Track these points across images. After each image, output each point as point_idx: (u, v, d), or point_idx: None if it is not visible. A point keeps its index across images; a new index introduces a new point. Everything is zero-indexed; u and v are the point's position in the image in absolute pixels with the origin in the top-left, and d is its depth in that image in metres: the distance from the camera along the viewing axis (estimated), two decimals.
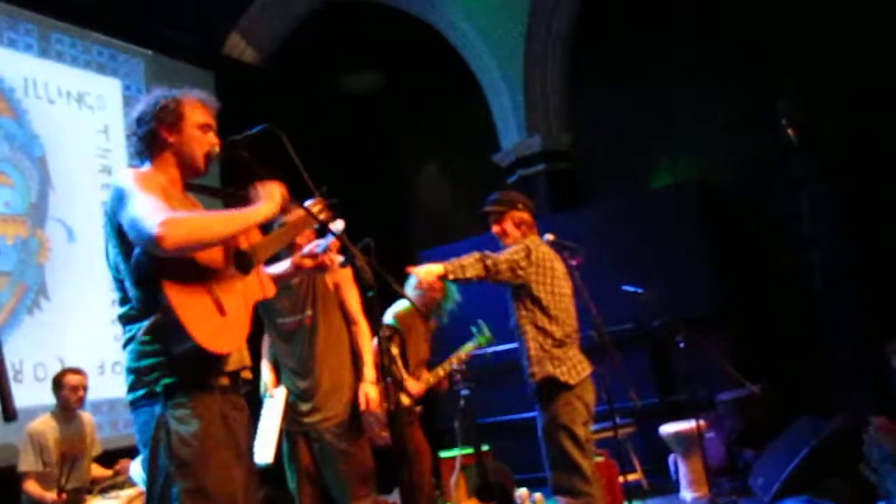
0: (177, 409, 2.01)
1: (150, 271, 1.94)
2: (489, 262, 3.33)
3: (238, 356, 2.17)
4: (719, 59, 6.82)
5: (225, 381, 2.14)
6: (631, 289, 4.67)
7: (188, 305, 1.94)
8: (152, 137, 2.17)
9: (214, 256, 2.09)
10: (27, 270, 5.09)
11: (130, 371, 2.08)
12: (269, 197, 2.18)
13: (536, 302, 3.37)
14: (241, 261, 2.16)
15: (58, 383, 4.45)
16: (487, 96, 7.92)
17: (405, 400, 3.98)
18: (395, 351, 4.17)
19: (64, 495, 4.08)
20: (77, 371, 4.52)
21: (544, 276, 3.41)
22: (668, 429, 5.22)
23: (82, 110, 5.74)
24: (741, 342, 6.02)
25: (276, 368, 3.47)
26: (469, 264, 3.32)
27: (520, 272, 3.36)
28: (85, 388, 4.49)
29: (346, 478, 3.19)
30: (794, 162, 6.17)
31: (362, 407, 3.29)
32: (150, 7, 6.42)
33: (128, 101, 6.04)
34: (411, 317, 4.25)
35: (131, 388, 2.08)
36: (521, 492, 5.04)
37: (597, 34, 7.45)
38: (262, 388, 3.39)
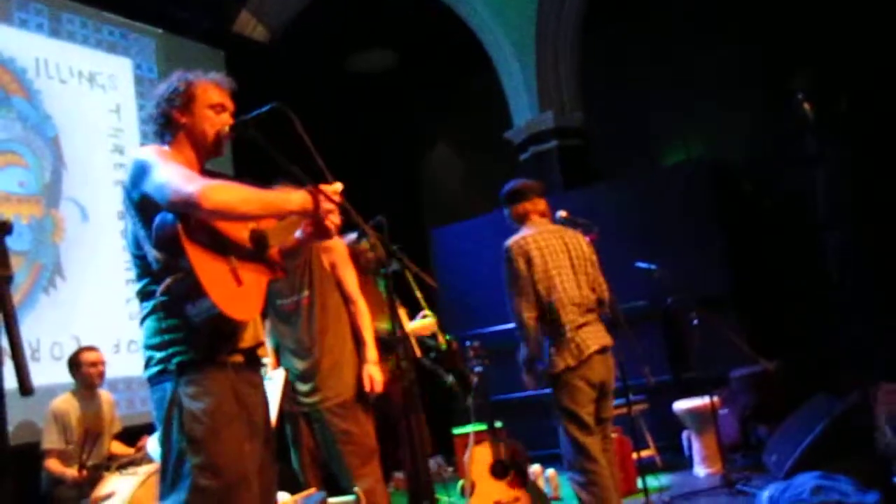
0: (189, 385, 2.03)
1: (173, 234, 1.96)
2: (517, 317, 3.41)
3: (252, 333, 2.19)
4: (733, 34, 6.73)
5: (239, 358, 2.16)
6: (644, 265, 4.66)
7: (207, 268, 1.97)
8: (166, 120, 2.20)
9: (236, 231, 2.13)
10: (42, 250, 5.12)
11: (147, 348, 2.11)
12: (302, 194, 2.19)
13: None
14: (258, 240, 2.18)
15: (75, 362, 4.49)
16: (499, 73, 7.86)
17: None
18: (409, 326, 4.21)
19: (85, 472, 4.14)
20: (92, 348, 4.57)
21: (534, 269, 3.43)
22: (681, 405, 5.22)
23: (94, 90, 5.74)
24: (754, 319, 6.00)
25: (277, 351, 3.49)
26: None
27: (522, 283, 3.41)
28: (103, 363, 4.54)
29: (346, 457, 3.18)
30: (809, 137, 6.10)
31: (367, 388, 3.29)
32: None
33: (139, 81, 6.04)
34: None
35: (147, 365, 2.11)
36: (535, 468, 5.06)
37: (608, 9, 7.37)
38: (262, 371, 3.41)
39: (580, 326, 3.38)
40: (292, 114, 2.12)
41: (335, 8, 7.65)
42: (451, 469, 6.28)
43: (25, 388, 1.05)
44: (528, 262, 3.42)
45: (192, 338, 2.04)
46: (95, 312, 5.27)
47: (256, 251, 2.18)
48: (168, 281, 1.97)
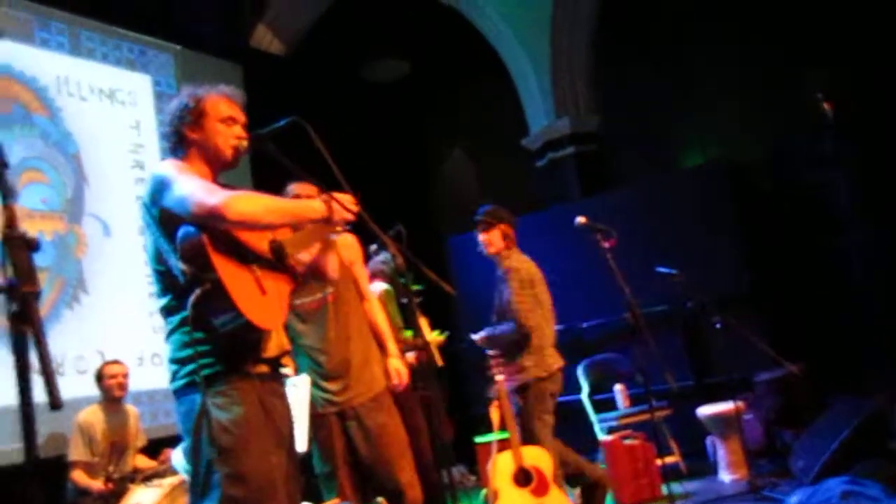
0: (217, 396, 2.05)
1: (199, 246, 1.97)
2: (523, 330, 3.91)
3: (277, 342, 2.20)
4: (747, 35, 6.69)
5: (264, 368, 2.17)
6: (665, 270, 4.63)
7: (233, 278, 1.98)
8: (178, 137, 2.22)
9: (256, 241, 2.15)
10: (66, 265, 5.19)
11: (173, 361, 2.13)
12: (321, 203, 2.22)
13: None
14: (276, 249, 2.19)
15: (99, 375, 4.57)
16: (514, 80, 7.87)
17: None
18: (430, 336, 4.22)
19: (110, 484, 4.18)
20: (116, 362, 4.64)
21: (529, 292, 3.98)
22: (705, 410, 5.18)
23: (114, 106, 5.82)
24: (776, 322, 5.94)
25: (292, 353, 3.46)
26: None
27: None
28: (125, 376, 4.59)
29: (386, 450, 3.16)
30: (828, 137, 6.05)
31: (393, 381, 3.31)
32: (176, 3, 6.47)
33: (159, 97, 6.11)
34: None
35: (174, 378, 2.13)
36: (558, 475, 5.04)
37: (622, 13, 7.36)
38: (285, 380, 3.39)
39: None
40: (309, 127, 2.13)
41: (349, 19, 7.71)
42: (473, 478, 6.26)
43: (55, 402, 1.06)
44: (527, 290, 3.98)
45: (219, 349, 2.05)
46: (118, 326, 5.33)
47: (276, 260, 2.20)
48: (197, 292, 1.97)
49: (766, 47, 6.56)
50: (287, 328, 3.31)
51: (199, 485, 2.04)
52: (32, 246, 1.17)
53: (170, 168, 2.11)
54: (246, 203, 2.00)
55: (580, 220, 3.82)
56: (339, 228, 2.28)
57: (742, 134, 6.89)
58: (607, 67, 7.66)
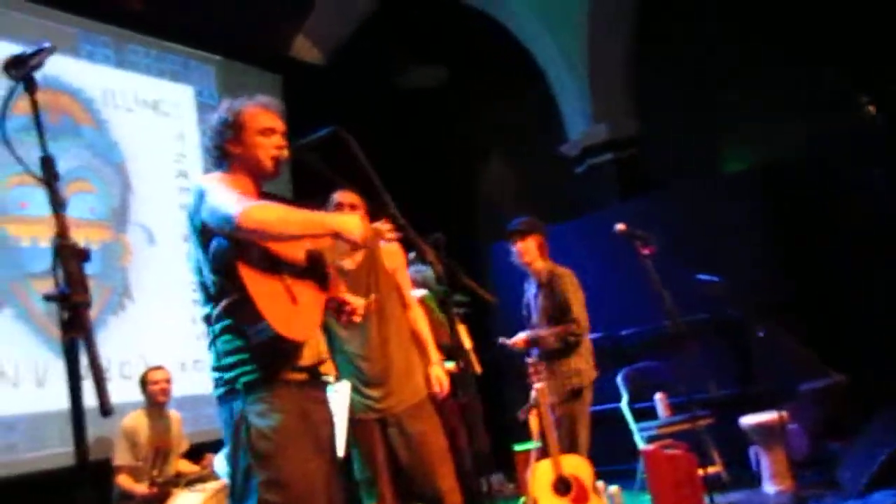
0: (255, 404, 2.08)
1: (228, 257, 2.02)
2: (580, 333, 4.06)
3: (313, 351, 2.22)
4: (788, 37, 6.59)
5: (302, 375, 2.19)
6: (706, 278, 4.57)
7: (262, 290, 2.02)
8: (220, 153, 2.27)
9: (293, 252, 2.18)
10: (111, 273, 5.30)
11: (215, 369, 2.17)
12: (350, 217, 2.25)
13: None
14: (314, 259, 2.22)
15: (143, 381, 4.66)
16: (552, 86, 7.85)
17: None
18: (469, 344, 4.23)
19: (154, 488, 4.26)
20: (159, 368, 4.73)
21: (580, 296, 4.14)
22: (748, 420, 5.08)
23: (158, 117, 5.94)
24: (821, 330, 5.82)
25: (334, 359, 3.48)
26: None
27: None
28: (168, 382, 4.67)
29: (427, 458, 3.16)
30: (872, 139, 5.91)
31: (435, 389, 3.31)
32: (218, 15, 6.59)
33: (201, 107, 6.22)
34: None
35: (216, 386, 2.17)
36: (598, 484, 4.99)
37: (660, 17, 7.29)
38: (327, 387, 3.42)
39: None
40: (349, 136, 2.15)
41: (386, 27, 7.77)
42: (512, 486, 6.23)
43: (105, 408, 1.09)
44: None
45: (256, 358, 2.09)
46: (162, 332, 5.42)
47: (313, 270, 2.22)
48: (224, 303, 2.02)
49: (807, 49, 6.45)
50: (330, 334, 3.34)
51: (237, 490, 2.08)
52: (83, 256, 1.20)
53: (210, 180, 2.16)
54: (261, 212, 2.02)
55: (619, 226, 3.79)
56: (387, 236, 2.32)
57: (785, 138, 6.77)
58: (646, 72, 7.59)
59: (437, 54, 8.15)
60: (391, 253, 3.40)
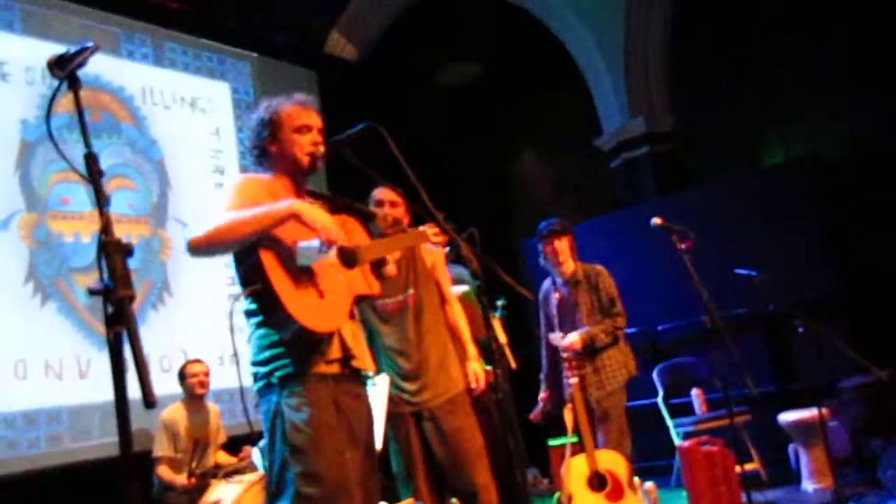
0: (291, 397, 2.12)
1: (254, 258, 2.05)
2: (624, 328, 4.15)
3: (347, 343, 2.23)
4: (830, 25, 6.45)
5: (335, 369, 2.21)
6: (745, 272, 4.50)
7: (286, 284, 2.05)
8: (260, 152, 2.31)
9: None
10: (151, 268, 5.39)
11: (253, 364, 2.22)
12: (307, 205, 2.16)
13: None
14: (346, 256, 2.22)
15: (182, 374, 4.74)
16: (588, 80, 7.79)
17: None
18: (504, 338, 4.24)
19: (193, 479, 4.33)
20: (197, 361, 4.80)
21: None
22: (787, 417, 5.01)
23: (195, 114, 6.02)
24: (864, 325, 5.70)
25: (373, 353, 3.50)
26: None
27: None
28: (206, 375, 4.75)
29: (461, 453, 3.16)
30: None
31: (472, 385, 3.32)
32: (253, 13, 6.66)
33: (237, 104, 6.30)
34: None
35: (255, 379, 2.22)
36: (634, 480, 4.95)
37: (698, 8, 7.19)
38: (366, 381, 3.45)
39: None
40: (385, 131, 2.16)
41: (420, 23, 7.77)
42: (546, 481, 6.22)
43: (149, 400, 1.11)
44: None
45: (290, 352, 2.13)
46: (200, 326, 5.50)
47: (345, 265, 2.22)
48: (250, 287, 2.06)
49: (848, 40, 6.30)
50: (368, 328, 3.38)
51: (274, 482, 2.12)
52: (127, 251, 1.23)
53: (227, 187, 2.23)
54: (199, 235, 2.05)
55: (656, 220, 3.75)
56: (432, 240, 2.35)
57: (826, 129, 6.64)
58: (684, 64, 7.49)
59: (471, 49, 8.13)
60: (430, 249, 3.42)
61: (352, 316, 2.31)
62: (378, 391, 3.26)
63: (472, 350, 3.39)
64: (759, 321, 5.76)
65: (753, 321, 5.73)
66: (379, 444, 3.15)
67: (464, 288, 4.34)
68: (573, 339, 4.07)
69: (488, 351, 3.77)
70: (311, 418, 2.09)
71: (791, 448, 5.25)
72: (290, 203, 2.10)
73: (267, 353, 2.16)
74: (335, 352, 2.20)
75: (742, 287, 4.53)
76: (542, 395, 4.42)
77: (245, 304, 2.23)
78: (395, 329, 3.33)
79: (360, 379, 2.32)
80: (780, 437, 5.27)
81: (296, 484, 2.06)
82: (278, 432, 2.11)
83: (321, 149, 2.26)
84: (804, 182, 6.06)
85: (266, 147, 2.28)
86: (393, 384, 3.32)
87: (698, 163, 7.47)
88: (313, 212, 2.09)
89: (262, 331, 2.18)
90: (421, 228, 3.03)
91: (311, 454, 2.07)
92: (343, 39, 7.74)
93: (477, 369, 3.35)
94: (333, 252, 2.14)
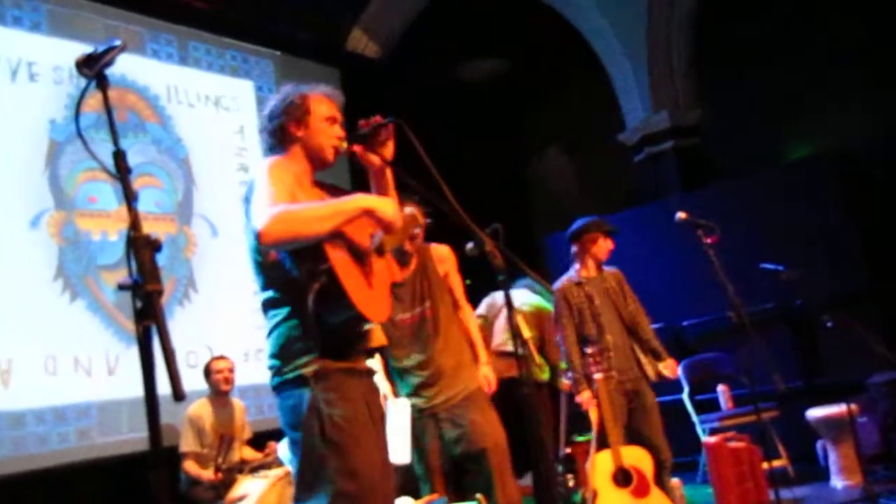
0: (327, 392, 2.04)
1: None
2: None
3: (378, 336, 2.25)
4: (856, 15, 6.35)
5: (363, 364, 2.21)
6: (771, 267, 4.45)
7: (347, 272, 1.99)
8: (282, 133, 2.24)
9: (361, 237, 2.15)
10: (177, 265, 5.45)
11: (275, 356, 2.12)
12: (382, 199, 2.16)
13: None
14: (378, 246, 2.24)
15: (207, 370, 4.78)
16: (610, 74, 7.74)
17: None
18: (527, 333, 4.24)
19: (220, 474, 4.37)
20: (222, 357, 4.84)
21: None
22: (815, 413, 4.95)
23: (219, 112, 6.07)
24: (891, 321, 5.61)
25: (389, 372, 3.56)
26: None
27: None
28: (231, 371, 4.79)
29: (480, 448, 3.19)
30: None
31: (485, 388, 3.38)
32: (275, 11, 6.70)
33: (260, 101, 6.33)
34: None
35: (276, 373, 2.11)
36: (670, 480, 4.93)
37: (721, 3, 7.11)
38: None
39: None
40: (407, 127, 2.15)
41: (442, 20, 7.76)
42: (571, 476, 6.19)
43: (178, 394, 1.12)
44: None
45: (328, 343, 2.05)
46: (226, 322, 5.55)
47: (377, 253, 2.24)
48: (314, 287, 1.96)
49: (877, 28, 6.20)
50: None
51: (307, 479, 2.04)
52: (156, 246, 1.24)
53: (262, 169, 2.10)
54: (281, 225, 1.92)
55: (681, 215, 3.72)
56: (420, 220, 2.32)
57: (852, 123, 6.54)
58: (707, 58, 7.42)
59: (494, 45, 8.11)
60: (442, 258, 3.48)
61: None
62: (401, 413, 3.30)
63: (483, 355, 3.45)
64: (786, 316, 5.70)
65: (780, 316, 5.67)
66: (407, 458, 3.21)
67: (535, 299, 4.41)
68: (671, 368, 4.06)
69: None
70: (349, 414, 2.04)
71: (819, 444, 5.19)
72: (356, 198, 2.09)
73: (300, 345, 2.06)
74: (374, 342, 2.21)
75: (768, 282, 4.48)
76: (586, 393, 3.93)
77: (266, 294, 2.15)
78: (413, 340, 3.37)
79: (372, 374, 2.31)
80: (807, 434, 5.21)
81: (335, 481, 1.99)
82: (315, 427, 2.02)
83: (343, 144, 2.25)
84: (830, 176, 5.97)
85: (290, 130, 2.22)
86: (409, 394, 3.39)
87: (724, 157, 7.40)
88: (383, 205, 2.10)
89: (294, 321, 2.07)
90: (408, 210, 3.07)
91: (351, 450, 2.02)
92: (365, 37, 7.76)
93: (488, 373, 3.43)
94: (377, 240, 2.16)
